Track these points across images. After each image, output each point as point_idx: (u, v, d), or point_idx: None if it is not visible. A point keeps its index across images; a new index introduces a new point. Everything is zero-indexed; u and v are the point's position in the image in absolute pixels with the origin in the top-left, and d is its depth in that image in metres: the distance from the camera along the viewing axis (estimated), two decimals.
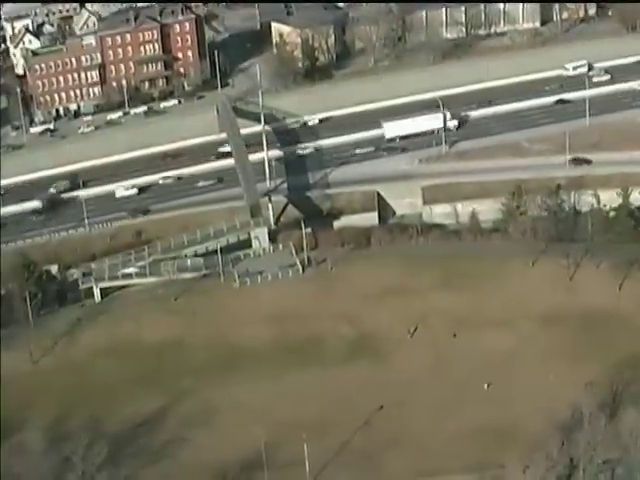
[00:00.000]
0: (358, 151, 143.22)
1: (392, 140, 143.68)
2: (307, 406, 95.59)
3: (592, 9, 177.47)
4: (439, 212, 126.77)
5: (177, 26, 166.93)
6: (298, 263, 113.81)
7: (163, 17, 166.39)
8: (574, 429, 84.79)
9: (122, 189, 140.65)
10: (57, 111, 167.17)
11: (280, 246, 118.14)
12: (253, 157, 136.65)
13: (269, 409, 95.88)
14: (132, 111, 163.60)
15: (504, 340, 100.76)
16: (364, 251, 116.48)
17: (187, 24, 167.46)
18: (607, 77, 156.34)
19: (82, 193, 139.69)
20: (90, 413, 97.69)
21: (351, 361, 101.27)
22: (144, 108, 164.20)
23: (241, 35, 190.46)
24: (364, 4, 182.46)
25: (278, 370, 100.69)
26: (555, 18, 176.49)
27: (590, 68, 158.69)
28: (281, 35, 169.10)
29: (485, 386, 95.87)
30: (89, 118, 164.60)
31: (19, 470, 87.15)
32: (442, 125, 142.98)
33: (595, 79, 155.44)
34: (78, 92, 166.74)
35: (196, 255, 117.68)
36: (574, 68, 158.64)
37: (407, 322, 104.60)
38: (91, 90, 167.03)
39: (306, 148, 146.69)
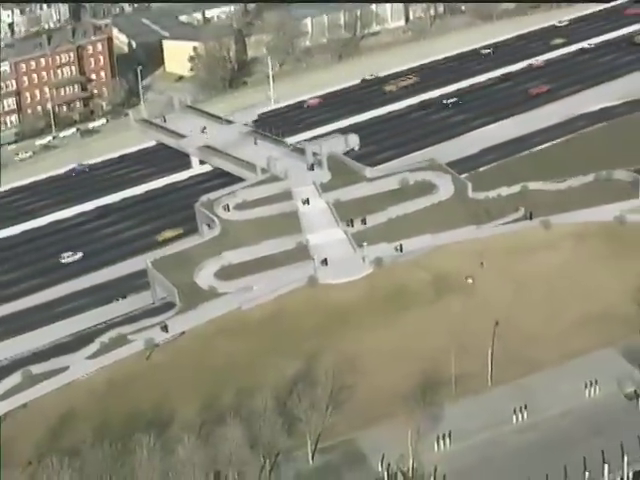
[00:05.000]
0: None
1: None
2: (433, 337, 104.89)
3: (440, 7, 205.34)
4: None
5: (90, 47, 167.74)
6: None
7: (76, 38, 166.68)
8: None
9: None
10: None
11: None
12: None
13: (403, 346, 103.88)
14: (61, 134, 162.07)
15: (555, 256, 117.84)
16: None
17: (100, 44, 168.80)
18: None
19: None
20: (234, 390, 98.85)
21: (443, 296, 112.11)
22: (72, 130, 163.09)
23: (118, 58, 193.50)
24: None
25: (386, 316, 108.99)
26: (412, 17, 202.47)
27: None
28: (195, 48, 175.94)
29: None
30: (13, 147, 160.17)
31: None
32: None
33: None
34: None
35: None
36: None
37: (470, 261, 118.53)
38: (8, 119, 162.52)
39: None
